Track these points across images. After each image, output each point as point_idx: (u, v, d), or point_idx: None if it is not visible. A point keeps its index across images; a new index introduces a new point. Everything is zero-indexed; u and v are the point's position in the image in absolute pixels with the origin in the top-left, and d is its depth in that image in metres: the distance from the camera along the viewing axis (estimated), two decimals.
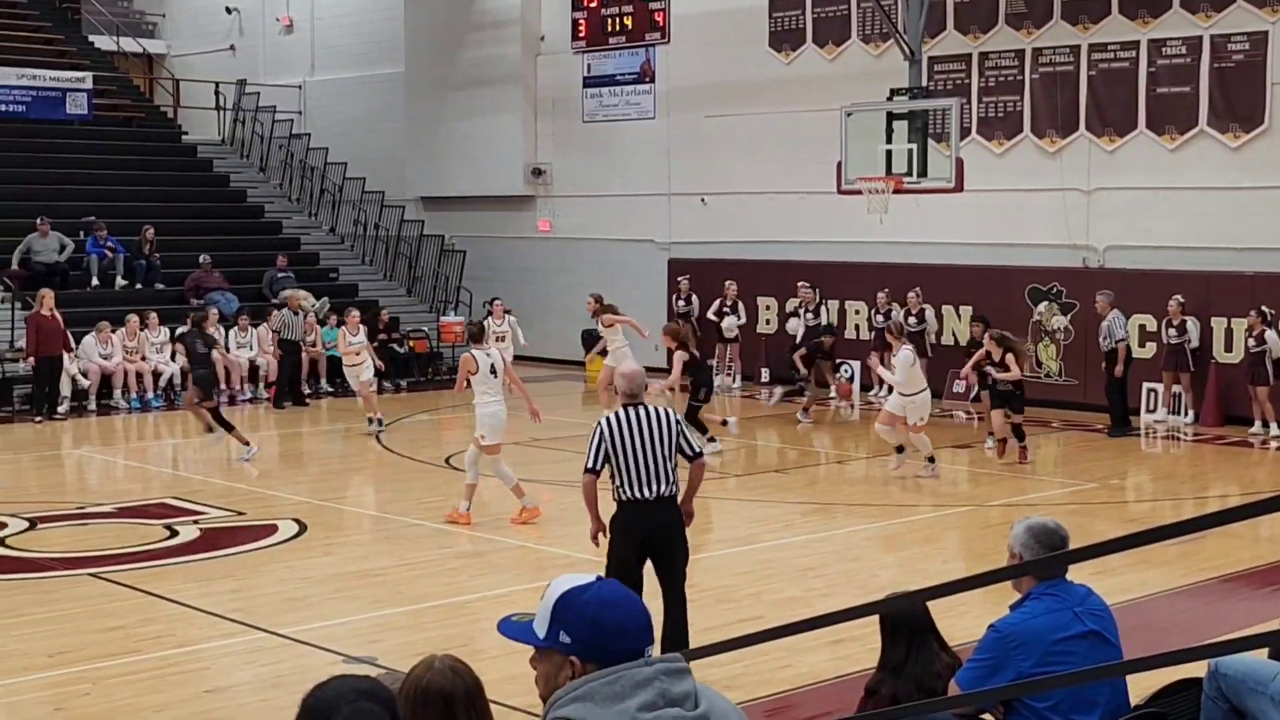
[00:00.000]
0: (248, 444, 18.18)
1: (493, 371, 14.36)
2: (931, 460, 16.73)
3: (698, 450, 9.46)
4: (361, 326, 21.33)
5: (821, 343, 22.56)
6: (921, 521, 14.80)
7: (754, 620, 10.28)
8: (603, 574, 3.35)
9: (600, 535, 9.42)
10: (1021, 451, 17.67)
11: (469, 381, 14.55)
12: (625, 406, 9.18)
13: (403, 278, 30.12)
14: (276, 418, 22.26)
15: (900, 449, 16.80)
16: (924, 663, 6.42)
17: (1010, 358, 17.48)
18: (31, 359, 21.84)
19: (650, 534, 9.07)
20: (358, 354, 20.85)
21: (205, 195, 30.42)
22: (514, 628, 3.36)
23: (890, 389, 17.38)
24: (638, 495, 9.00)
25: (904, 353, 16.76)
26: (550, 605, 3.27)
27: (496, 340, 20.40)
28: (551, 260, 29.01)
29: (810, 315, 24.18)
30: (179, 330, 21.08)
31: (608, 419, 9.09)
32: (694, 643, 8.71)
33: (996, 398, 17.95)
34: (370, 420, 20.35)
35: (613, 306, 20.68)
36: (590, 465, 9.08)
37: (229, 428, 18.33)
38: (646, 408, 9.17)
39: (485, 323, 18.39)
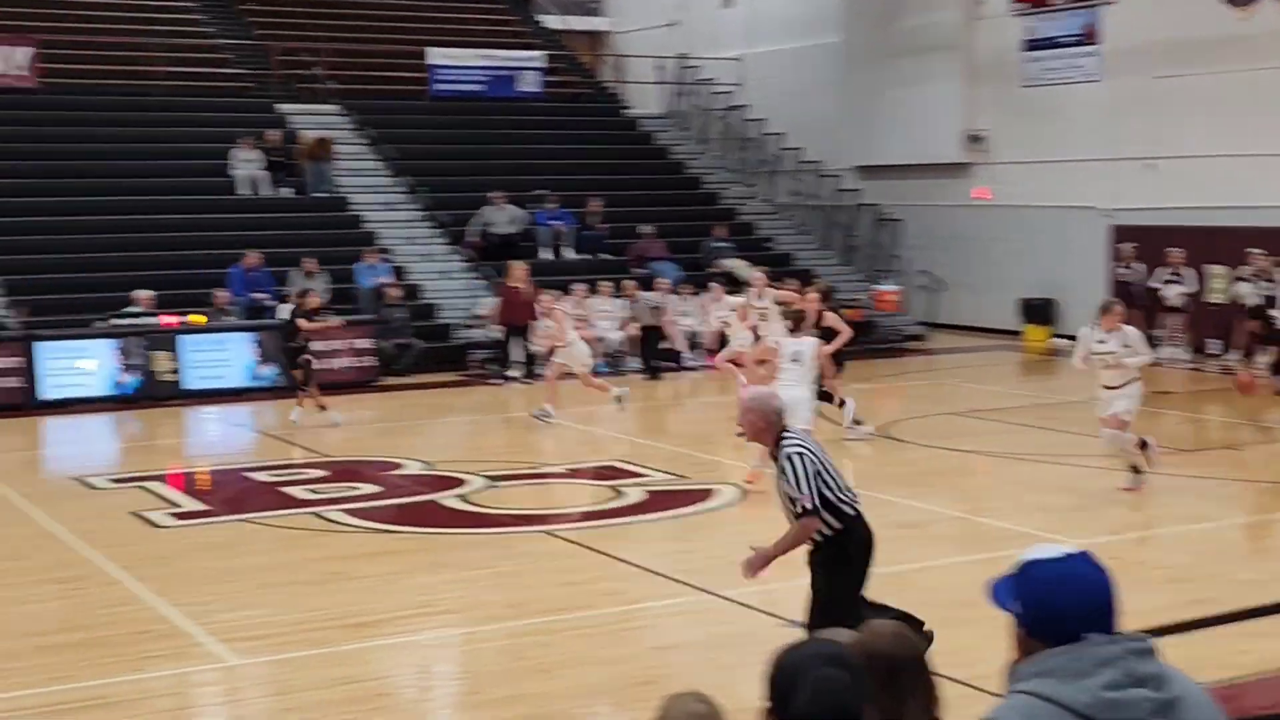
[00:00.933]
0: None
1: (795, 359, 14.53)
2: (1136, 470, 14.05)
3: None
4: (555, 309, 19.93)
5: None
6: None
7: (1208, 602, 9.92)
8: (1074, 551, 3.29)
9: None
10: None
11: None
12: (789, 429, 8.23)
13: (838, 246, 30.23)
14: (717, 384, 22.68)
15: (1137, 469, 14.07)
16: None
17: None
18: (500, 326, 23.07)
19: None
20: (558, 337, 19.78)
21: (646, 168, 31.30)
22: (995, 585, 3.35)
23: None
24: (857, 509, 8.21)
25: (1131, 330, 14.06)
26: (1014, 571, 3.29)
27: (761, 318, 19.67)
28: (988, 228, 28.53)
29: (1266, 283, 22.98)
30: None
31: (803, 444, 8.09)
32: (1144, 624, 8.47)
33: None
34: (544, 409, 18.95)
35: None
36: (817, 504, 7.95)
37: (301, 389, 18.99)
38: (798, 430, 8.34)
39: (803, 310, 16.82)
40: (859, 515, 8.18)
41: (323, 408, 18.80)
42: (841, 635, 3.99)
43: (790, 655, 3.40)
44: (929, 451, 16.41)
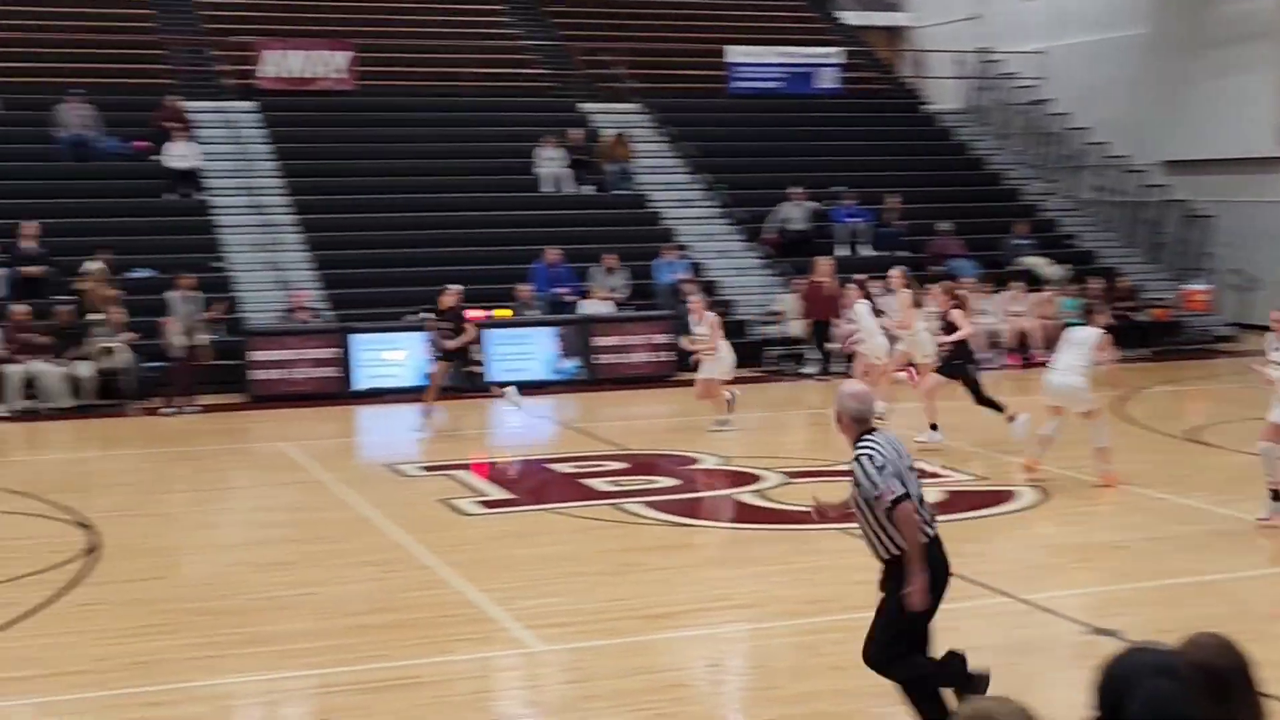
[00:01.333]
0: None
1: (1073, 345, 14.41)
2: (1278, 497, 12.42)
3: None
4: (707, 314, 19.00)
5: None
6: None
7: None
8: None
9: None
10: None
11: None
12: (871, 432, 7.56)
13: (1144, 244, 29.30)
14: (1016, 384, 22.25)
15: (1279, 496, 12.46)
16: None
17: None
18: (804, 322, 23.15)
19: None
20: (698, 346, 18.87)
21: (945, 164, 30.87)
22: None
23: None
24: (934, 531, 7.55)
25: None
26: None
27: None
28: None
29: None
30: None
31: (875, 445, 7.44)
32: None
33: None
34: (723, 419, 18.31)
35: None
36: (903, 491, 7.30)
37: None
38: (882, 432, 7.67)
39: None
40: (935, 539, 7.50)
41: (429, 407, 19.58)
42: (1165, 644, 3.91)
43: (1120, 665, 3.35)
44: (1241, 457, 15.77)
